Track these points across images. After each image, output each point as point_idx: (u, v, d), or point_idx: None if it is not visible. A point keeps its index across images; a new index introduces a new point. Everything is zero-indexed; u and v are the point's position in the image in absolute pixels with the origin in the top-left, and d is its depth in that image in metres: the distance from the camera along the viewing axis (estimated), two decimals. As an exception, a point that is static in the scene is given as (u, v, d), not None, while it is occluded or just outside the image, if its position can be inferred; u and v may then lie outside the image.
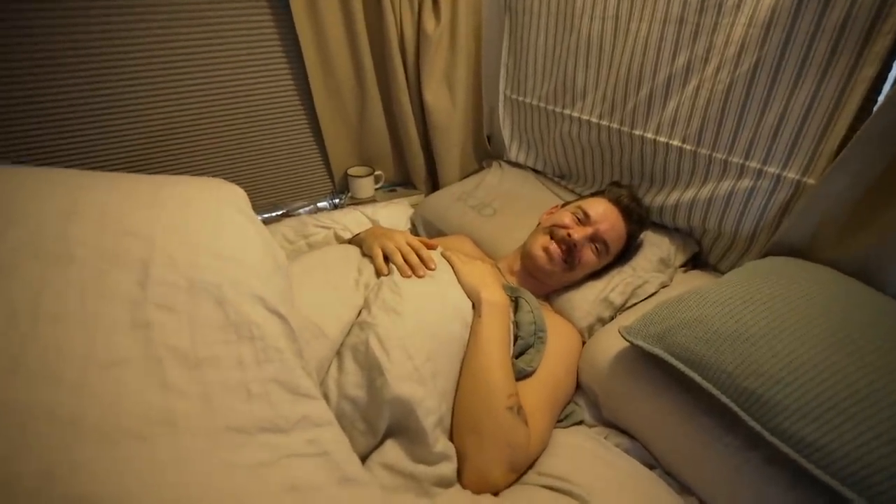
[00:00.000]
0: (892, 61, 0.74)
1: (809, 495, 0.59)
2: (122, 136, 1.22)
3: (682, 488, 0.73)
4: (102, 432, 0.38)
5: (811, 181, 0.87)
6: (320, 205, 1.50)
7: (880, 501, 0.52)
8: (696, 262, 1.17)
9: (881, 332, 0.64)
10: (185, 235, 0.54)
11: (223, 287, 0.52)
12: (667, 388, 0.75)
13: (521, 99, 1.41)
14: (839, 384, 0.58)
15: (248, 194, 0.67)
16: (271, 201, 1.50)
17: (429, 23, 1.28)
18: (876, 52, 0.74)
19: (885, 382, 0.58)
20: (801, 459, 0.57)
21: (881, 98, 0.77)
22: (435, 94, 1.38)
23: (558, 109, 1.30)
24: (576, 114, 1.25)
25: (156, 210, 0.55)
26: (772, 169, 0.92)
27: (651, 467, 0.76)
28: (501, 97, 1.47)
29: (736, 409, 0.63)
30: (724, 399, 0.65)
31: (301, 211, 1.46)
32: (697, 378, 0.68)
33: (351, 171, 1.49)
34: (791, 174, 0.89)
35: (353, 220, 1.26)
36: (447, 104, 1.41)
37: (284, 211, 1.46)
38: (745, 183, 0.96)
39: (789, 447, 0.58)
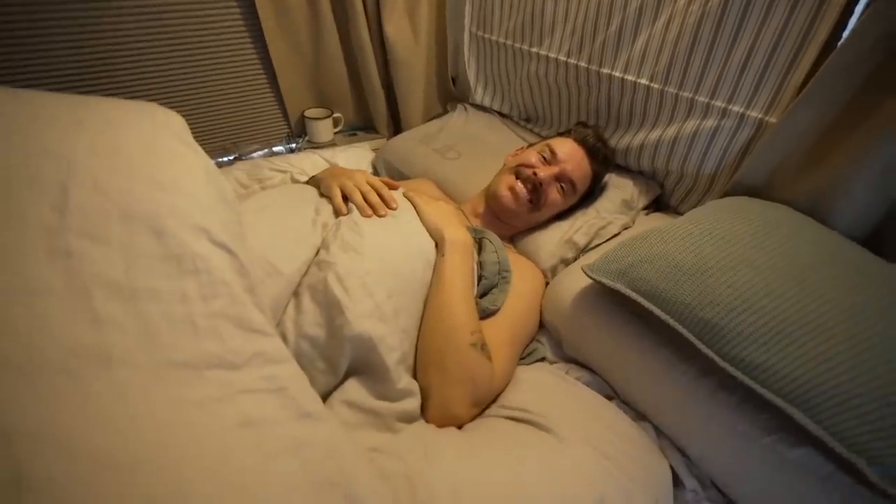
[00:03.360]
0: (860, -8, 0.73)
1: (755, 413, 0.62)
2: (58, 61, 1.09)
3: (638, 415, 0.76)
4: (20, 366, 0.34)
5: (773, 120, 0.87)
6: (276, 149, 1.41)
7: (815, 413, 0.55)
8: (658, 204, 1.18)
9: (828, 265, 0.66)
10: (113, 159, 0.48)
11: (161, 216, 0.47)
12: (627, 322, 0.76)
13: (487, 36, 1.34)
14: (787, 311, 0.61)
15: (198, 138, 0.60)
16: (222, 145, 1.40)
17: (388, -54, 1.18)
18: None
19: (827, 309, 0.60)
20: (748, 380, 0.60)
21: (846, 33, 0.76)
22: (396, 27, 1.29)
23: (525, 47, 1.24)
24: (543, 52, 1.20)
25: (77, 130, 0.48)
26: (736, 108, 0.91)
27: (610, 398, 0.78)
28: (467, 34, 1.39)
29: (692, 338, 0.65)
30: (680, 329, 0.66)
31: (255, 155, 1.37)
32: (657, 310, 0.69)
33: (308, 114, 1.40)
34: (754, 113, 0.90)
35: (310, 164, 1.20)
36: (409, 38, 1.33)
37: (237, 155, 1.37)
38: (710, 123, 0.96)
39: (738, 370, 0.60)
